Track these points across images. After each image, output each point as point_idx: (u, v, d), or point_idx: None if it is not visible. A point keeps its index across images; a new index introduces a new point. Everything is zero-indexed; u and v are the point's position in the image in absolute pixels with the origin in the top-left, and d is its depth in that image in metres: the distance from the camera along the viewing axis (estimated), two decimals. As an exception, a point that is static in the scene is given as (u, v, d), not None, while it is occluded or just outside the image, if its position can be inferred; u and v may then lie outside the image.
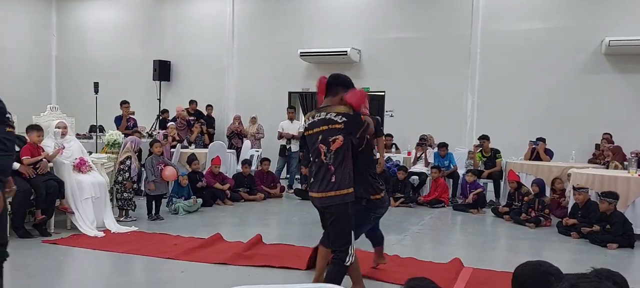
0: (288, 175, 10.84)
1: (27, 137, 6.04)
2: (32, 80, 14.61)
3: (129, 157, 7.06)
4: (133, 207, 7.08)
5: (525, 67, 10.90)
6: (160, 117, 12.27)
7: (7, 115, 2.94)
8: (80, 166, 6.43)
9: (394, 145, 11.14)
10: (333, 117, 3.55)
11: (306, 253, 5.31)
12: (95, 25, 14.98)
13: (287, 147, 10.56)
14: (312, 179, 3.67)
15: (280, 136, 10.61)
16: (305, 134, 3.78)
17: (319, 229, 3.98)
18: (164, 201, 7.67)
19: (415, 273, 4.69)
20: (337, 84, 3.74)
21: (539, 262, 2.13)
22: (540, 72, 10.79)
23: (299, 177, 10.68)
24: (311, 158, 3.69)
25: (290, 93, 12.79)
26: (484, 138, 9.72)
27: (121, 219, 6.85)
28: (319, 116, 3.63)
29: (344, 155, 3.54)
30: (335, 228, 3.62)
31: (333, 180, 3.50)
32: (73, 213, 6.13)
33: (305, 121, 3.82)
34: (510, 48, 11.01)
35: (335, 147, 3.51)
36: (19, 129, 6.18)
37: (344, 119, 3.54)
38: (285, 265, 4.89)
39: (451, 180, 9.66)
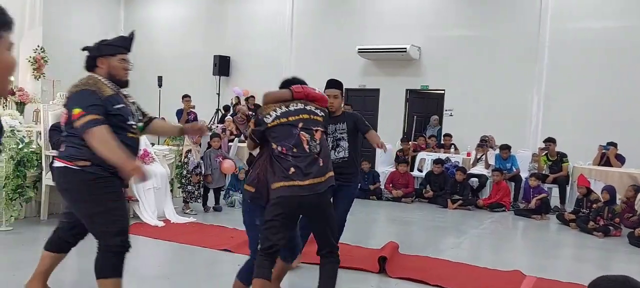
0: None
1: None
2: (101, 73, 15.25)
3: (189, 150, 7.24)
4: (194, 199, 7.22)
5: (596, 67, 10.36)
6: (222, 113, 12.49)
7: (130, 122, 3.13)
8: (144, 157, 6.63)
9: (452, 146, 10.88)
10: (313, 109, 3.32)
11: (359, 253, 5.26)
12: (160, 21, 15.47)
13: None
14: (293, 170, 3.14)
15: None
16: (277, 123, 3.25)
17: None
18: (222, 193, 7.83)
19: (471, 279, 4.57)
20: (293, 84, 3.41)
21: (625, 277, 1.82)
22: (612, 73, 10.23)
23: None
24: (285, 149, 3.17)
25: (347, 89, 12.72)
26: (550, 141, 9.30)
27: (186, 211, 7.02)
28: (295, 106, 3.28)
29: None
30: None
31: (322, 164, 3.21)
32: (137, 201, 6.34)
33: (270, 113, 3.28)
34: (581, 47, 10.49)
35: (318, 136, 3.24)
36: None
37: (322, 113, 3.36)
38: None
39: (513, 184, 9.32)
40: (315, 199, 3.14)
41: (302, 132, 3.16)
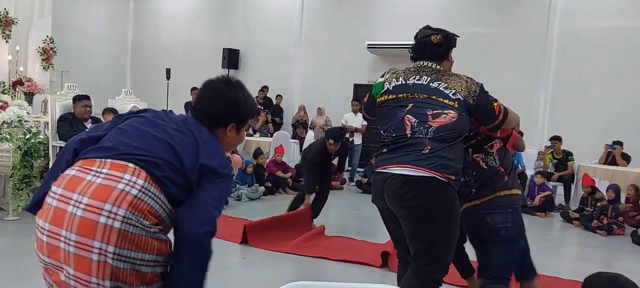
0: (349, 168, 10.83)
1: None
2: (109, 65, 15.32)
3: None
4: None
5: (604, 66, 10.30)
6: None
7: None
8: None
9: (459, 142, 10.86)
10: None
11: (364, 248, 5.30)
12: (169, 13, 15.51)
13: (350, 139, 10.54)
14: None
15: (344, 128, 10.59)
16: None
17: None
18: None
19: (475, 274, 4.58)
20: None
21: (615, 275, 1.89)
22: (620, 73, 10.17)
23: (360, 170, 10.66)
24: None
25: (355, 85, 12.74)
26: (556, 139, 9.29)
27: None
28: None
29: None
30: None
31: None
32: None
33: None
34: (590, 47, 10.44)
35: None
36: (96, 111, 6.51)
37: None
38: (343, 259, 4.89)
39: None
40: None
41: None
